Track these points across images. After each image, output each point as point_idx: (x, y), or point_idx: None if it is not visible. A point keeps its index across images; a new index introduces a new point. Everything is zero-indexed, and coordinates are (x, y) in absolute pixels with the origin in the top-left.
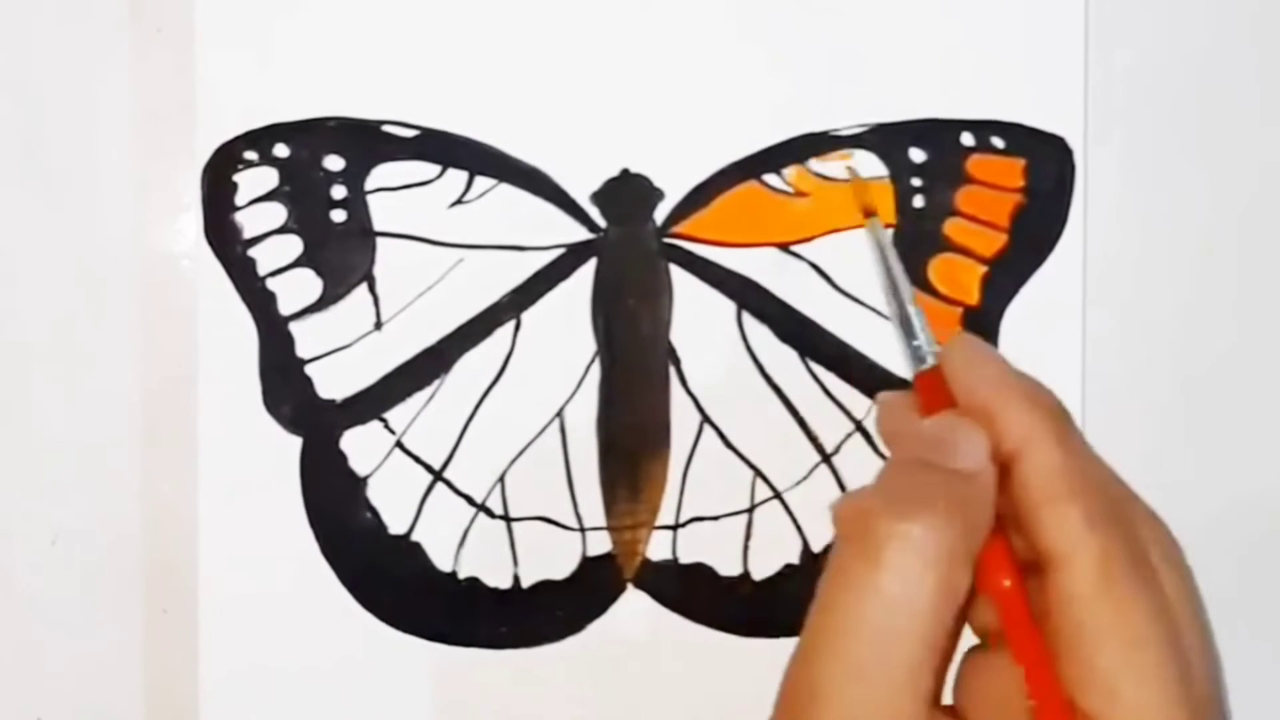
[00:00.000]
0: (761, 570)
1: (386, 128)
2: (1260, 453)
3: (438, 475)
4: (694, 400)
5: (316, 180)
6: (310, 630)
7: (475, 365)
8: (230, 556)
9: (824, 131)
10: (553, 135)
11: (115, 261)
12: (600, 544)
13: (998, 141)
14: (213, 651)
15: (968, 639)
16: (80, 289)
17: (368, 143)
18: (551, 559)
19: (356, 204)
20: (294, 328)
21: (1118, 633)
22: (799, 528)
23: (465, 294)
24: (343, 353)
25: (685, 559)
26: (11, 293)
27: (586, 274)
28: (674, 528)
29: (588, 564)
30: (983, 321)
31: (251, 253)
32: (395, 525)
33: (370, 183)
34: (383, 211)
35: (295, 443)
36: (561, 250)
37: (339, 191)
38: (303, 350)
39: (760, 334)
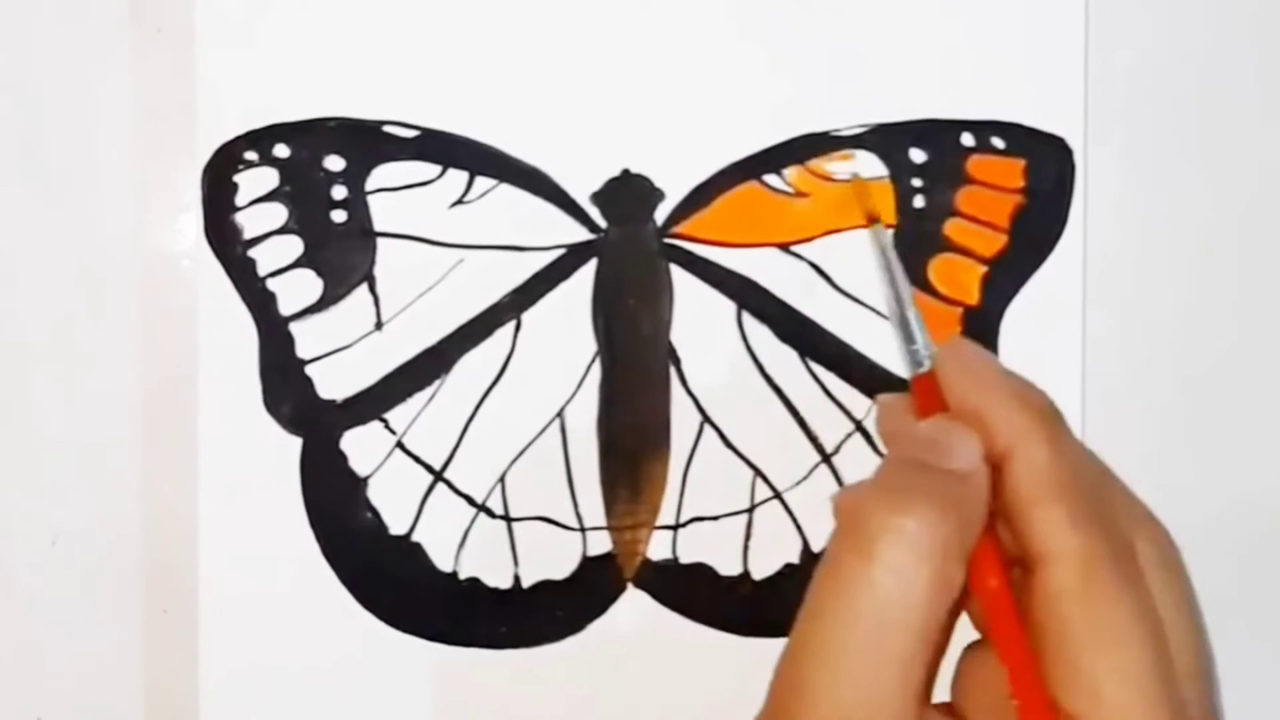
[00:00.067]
0: (761, 570)
1: (387, 128)
2: (1260, 453)
3: (438, 475)
4: (694, 400)
5: (317, 180)
6: (310, 630)
7: (476, 365)
8: (230, 556)
9: (824, 131)
10: (553, 135)
11: (115, 261)
12: (600, 544)
13: (998, 142)
14: (213, 651)
15: (967, 635)
16: (80, 289)
17: (368, 143)
18: (552, 559)
19: (357, 204)
20: (294, 328)
21: (1100, 633)
22: (799, 528)
23: (465, 294)
24: (343, 353)
25: (685, 559)
26: (11, 293)
27: (587, 274)
28: (674, 528)
29: (588, 564)
30: (983, 321)
31: (251, 253)
32: (396, 525)
33: (371, 183)
34: (383, 212)
35: (295, 443)
36: (562, 250)
37: (339, 192)
38: (303, 350)
39: (760, 334)
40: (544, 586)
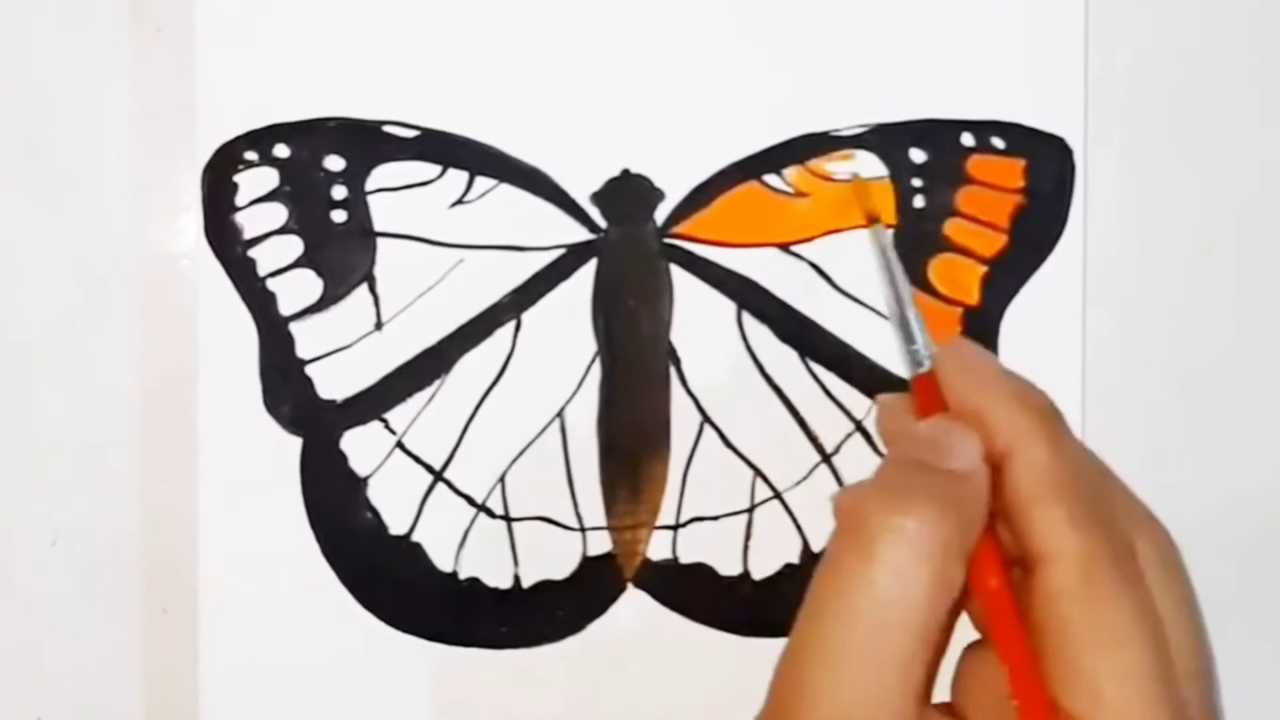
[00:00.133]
0: (761, 570)
1: (387, 128)
2: (1260, 453)
3: (438, 475)
4: (694, 400)
5: (317, 180)
6: (310, 630)
7: (476, 365)
8: (230, 556)
9: (824, 131)
10: (553, 135)
11: (115, 261)
12: (600, 544)
13: (998, 142)
14: (213, 651)
15: (967, 635)
16: (80, 289)
17: (368, 143)
18: (552, 559)
19: (357, 204)
20: (294, 328)
21: (1100, 633)
22: (799, 528)
23: (465, 294)
24: (343, 353)
25: (685, 559)
26: (11, 293)
27: (587, 274)
28: (674, 528)
29: (588, 564)
30: (983, 321)
31: (251, 253)
32: (396, 525)
33: (370, 183)
34: (383, 212)
35: (295, 443)
36: (562, 250)
37: (339, 192)
38: (303, 350)
39: (760, 334)
40: (544, 586)
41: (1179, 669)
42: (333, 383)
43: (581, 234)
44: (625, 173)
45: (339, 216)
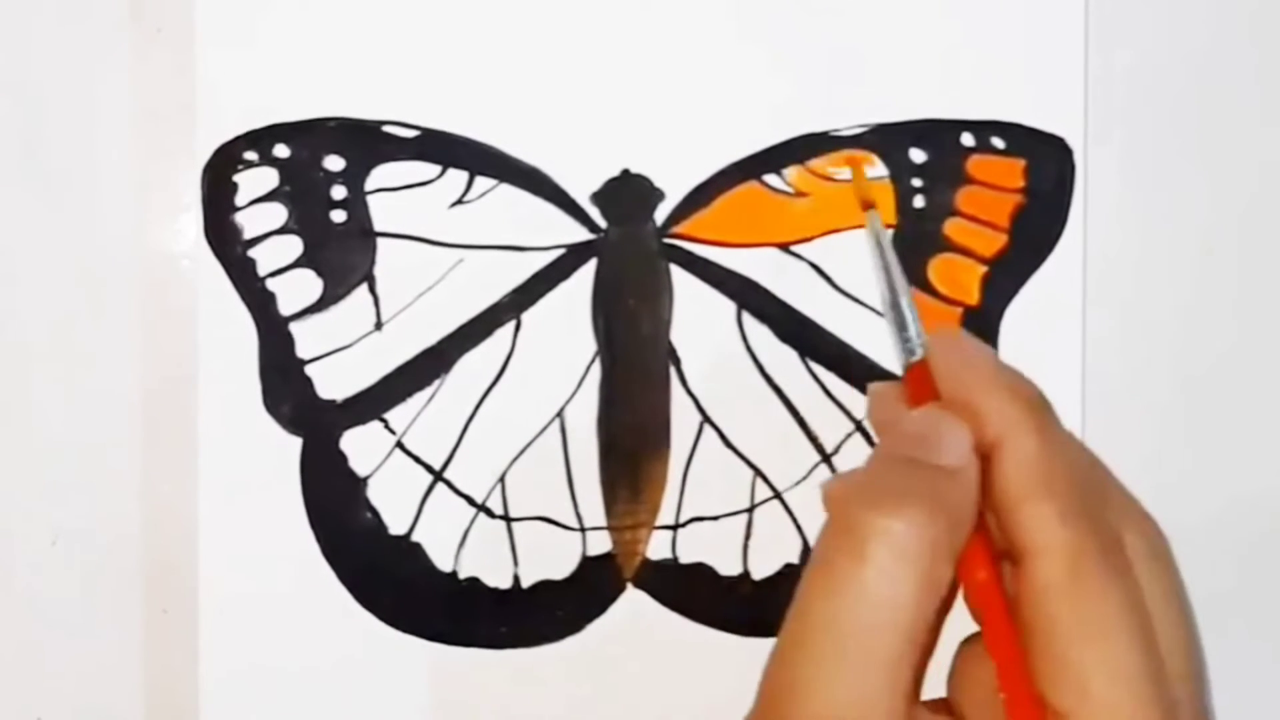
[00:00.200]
0: (761, 570)
1: (386, 128)
2: (1260, 453)
3: (438, 475)
4: (694, 400)
5: (316, 180)
6: (310, 630)
7: (475, 365)
8: (230, 556)
9: (824, 131)
10: (553, 135)
11: (115, 261)
12: (600, 544)
13: (998, 142)
14: (213, 651)
15: (964, 629)
16: (80, 289)
17: (368, 143)
18: (551, 559)
19: (356, 204)
20: (294, 328)
21: (1088, 627)
22: (799, 528)
23: (465, 294)
24: (343, 353)
25: (685, 559)
26: (11, 293)
27: (587, 274)
28: (674, 528)
29: (588, 564)
30: (983, 321)
31: (251, 253)
32: (395, 525)
33: (370, 183)
34: (383, 212)
35: (295, 443)
36: (562, 250)
37: (339, 192)
38: (303, 350)
39: (760, 334)
40: (544, 586)
41: (1170, 671)
42: (333, 383)
43: (581, 234)
44: (625, 173)
45: (339, 216)
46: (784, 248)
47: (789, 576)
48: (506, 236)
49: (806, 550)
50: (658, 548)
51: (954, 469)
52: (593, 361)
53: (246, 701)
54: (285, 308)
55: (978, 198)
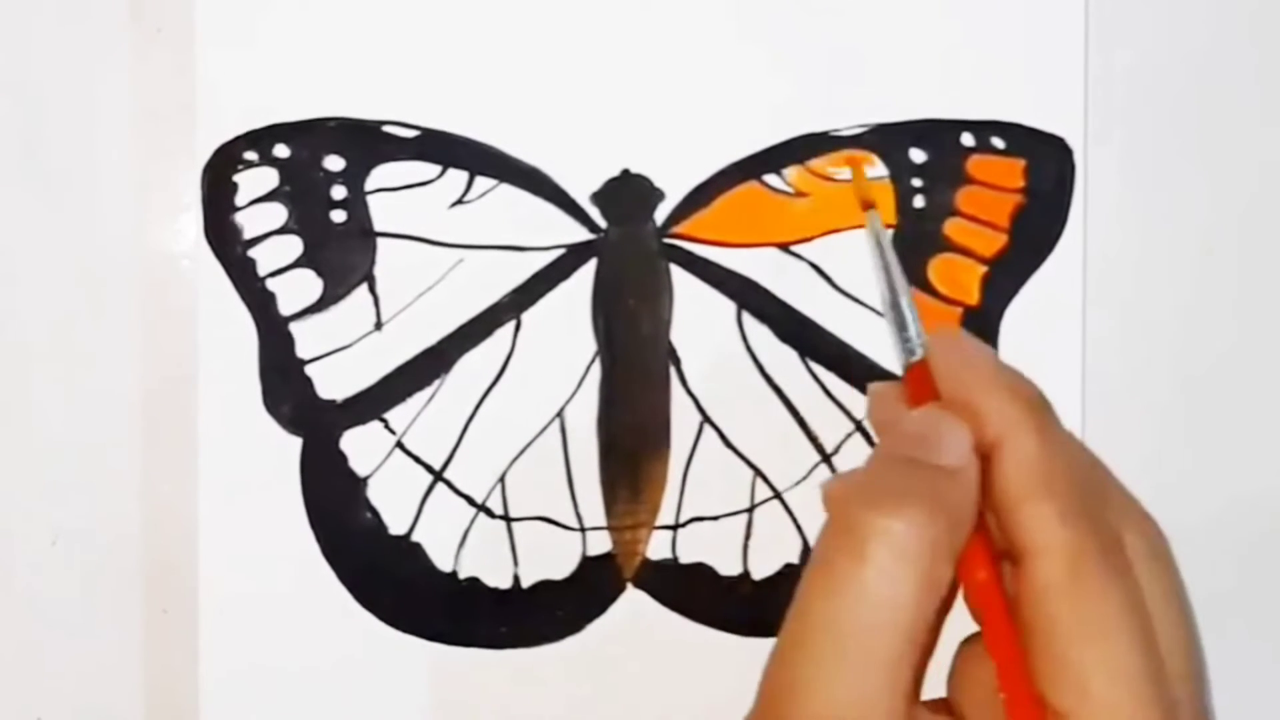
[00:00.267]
0: (761, 570)
1: (386, 128)
2: (1260, 453)
3: (438, 475)
4: (694, 400)
5: (316, 180)
6: (310, 630)
7: (475, 365)
8: (230, 556)
9: (824, 131)
10: (553, 135)
11: (115, 261)
12: (600, 544)
13: (998, 142)
14: (213, 651)
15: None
16: (80, 289)
17: (368, 143)
18: (551, 559)
19: (356, 204)
20: (294, 328)
21: (1088, 627)
22: (799, 528)
23: (465, 294)
24: (343, 353)
25: (685, 559)
26: (11, 293)
27: (587, 274)
28: (674, 528)
29: (588, 564)
30: (983, 321)
31: (251, 253)
32: (395, 525)
33: (370, 183)
34: (383, 212)
35: (295, 443)
36: (562, 250)
37: (339, 192)
38: (303, 350)
39: (760, 334)
40: (544, 586)
41: (1170, 670)
42: (332, 383)
43: (581, 234)
44: (625, 173)
45: (339, 216)
46: (784, 248)
47: (789, 576)
48: (506, 236)
49: (806, 550)
50: (658, 548)
51: (954, 469)
52: (593, 361)
53: (246, 701)
54: (285, 308)
55: (978, 198)
